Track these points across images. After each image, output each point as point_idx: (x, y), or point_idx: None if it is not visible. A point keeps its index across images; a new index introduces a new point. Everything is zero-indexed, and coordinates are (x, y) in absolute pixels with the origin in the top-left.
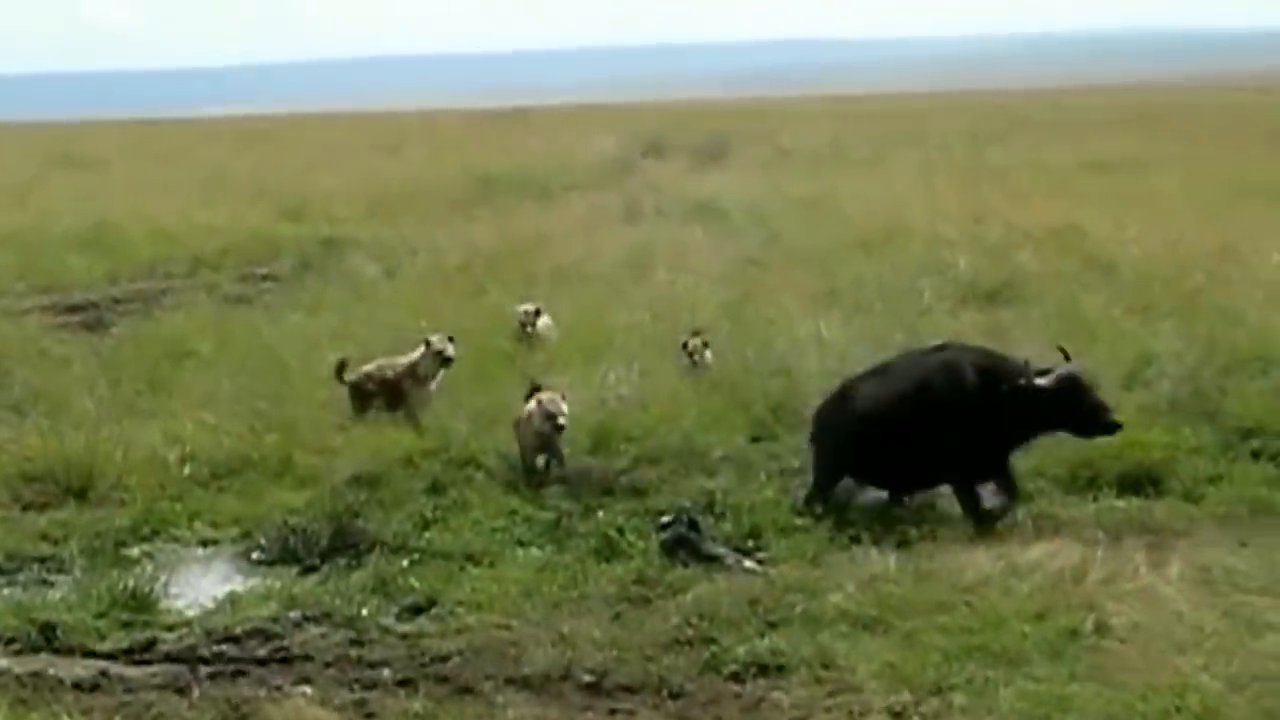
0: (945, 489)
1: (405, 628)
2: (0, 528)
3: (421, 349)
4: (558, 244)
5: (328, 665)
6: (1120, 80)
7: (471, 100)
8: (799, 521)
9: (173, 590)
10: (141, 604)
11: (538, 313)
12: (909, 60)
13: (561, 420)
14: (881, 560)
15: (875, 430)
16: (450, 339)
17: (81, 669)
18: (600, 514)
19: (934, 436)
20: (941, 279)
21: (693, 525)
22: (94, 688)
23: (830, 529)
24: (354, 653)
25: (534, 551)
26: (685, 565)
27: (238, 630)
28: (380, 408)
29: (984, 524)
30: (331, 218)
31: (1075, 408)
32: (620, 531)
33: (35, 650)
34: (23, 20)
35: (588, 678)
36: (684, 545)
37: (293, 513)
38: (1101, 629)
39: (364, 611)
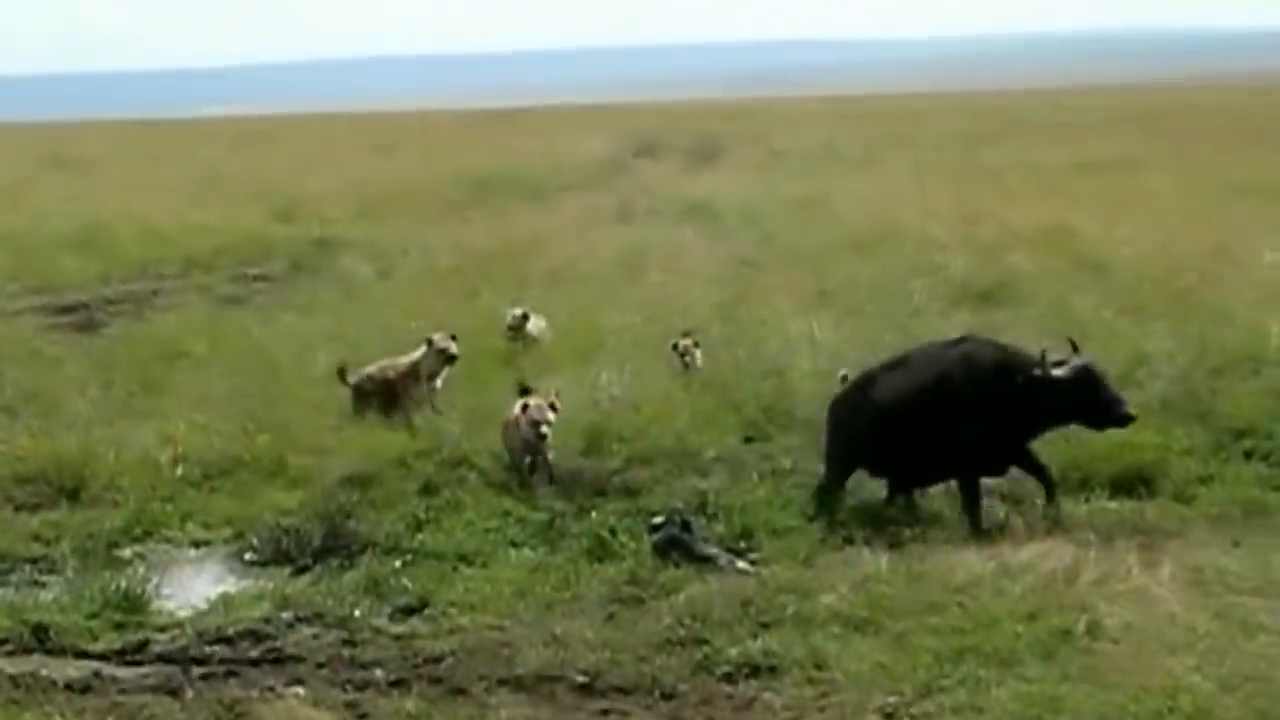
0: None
1: (398, 628)
2: None
3: (423, 348)
4: (551, 245)
5: (320, 666)
6: (1113, 81)
7: (464, 101)
8: (791, 522)
9: (165, 591)
10: (134, 605)
11: (525, 316)
12: (903, 61)
13: (544, 429)
14: (874, 561)
15: (892, 422)
16: (453, 337)
17: (74, 670)
18: (593, 515)
19: (951, 429)
20: (934, 280)
21: (685, 526)
22: (86, 689)
23: (822, 530)
24: (347, 653)
25: (527, 552)
26: (678, 566)
27: (230, 631)
28: (382, 408)
29: (978, 523)
30: (324, 218)
31: (1090, 399)
32: (613, 532)
33: (28, 651)
34: (18, 21)
35: (580, 678)
36: (676, 546)
37: (285, 513)
38: (1094, 630)
39: (356, 612)
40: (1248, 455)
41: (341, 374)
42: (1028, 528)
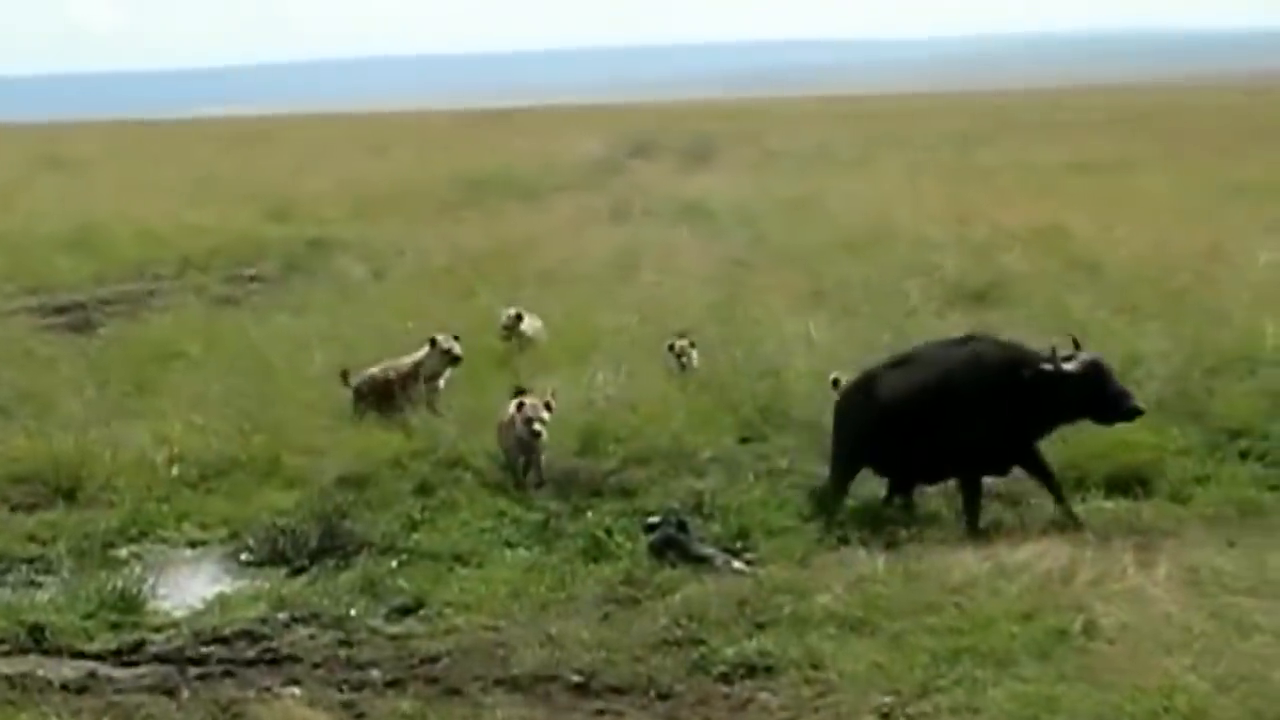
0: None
1: (393, 629)
2: None
3: (426, 349)
4: (545, 245)
5: (316, 666)
6: (1108, 81)
7: (459, 101)
8: (787, 522)
9: (161, 591)
10: (130, 605)
11: (519, 317)
12: (897, 61)
13: (538, 427)
14: (870, 561)
15: (897, 420)
16: (456, 338)
17: (70, 670)
18: (588, 515)
19: (958, 428)
20: (928, 280)
21: (681, 526)
22: (82, 689)
23: (818, 530)
24: (342, 654)
25: (522, 552)
26: (673, 566)
27: (226, 631)
28: (383, 409)
29: (975, 523)
30: (319, 219)
31: (1099, 393)
32: (608, 532)
33: (23, 651)
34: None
35: (576, 678)
36: (672, 546)
37: (281, 514)
38: (1090, 630)
39: (352, 612)
40: (1243, 455)
41: (344, 376)
42: (1024, 528)
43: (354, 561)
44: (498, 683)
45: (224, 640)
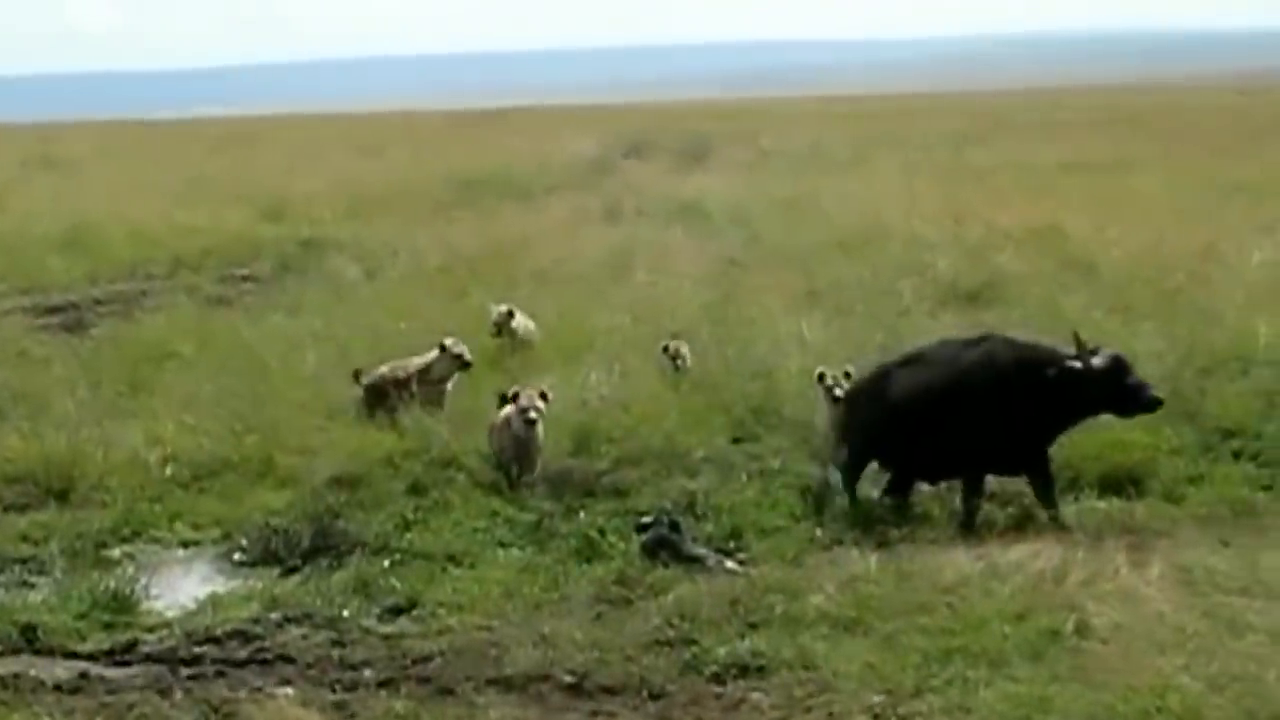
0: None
1: (386, 629)
2: None
3: (436, 352)
4: (539, 245)
5: (309, 666)
6: (1102, 81)
7: (452, 101)
8: (780, 522)
9: (154, 591)
10: (122, 605)
11: (510, 314)
12: (891, 62)
13: (533, 415)
14: (862, 561)
15: (910, 418)
16: (452, 341)
17: (62, 670)
18: (581, 515)
19: (973, 426)
20: (922, 280)
21: (674, 526)
22: (75, 689)
23: (811, 530)
24: (335, 654)
25: (515, 552)
26: (666, 566)
27: (219, 631)
28: (394, 408)
29: (972, 522)
30: (312, 219)
31: (1122, 387)
32: (601, 532)
33: (16, 651)
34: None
35: (569, 679)
36: (665, 546)
37: (274, 514)
38: (1082, 630)
39: (345, 612)
40: (1236, 455)
41: (356, 376)
42: (1016, 528)
43: (347, 561)
44: (490, 683)
45: (216, 640)
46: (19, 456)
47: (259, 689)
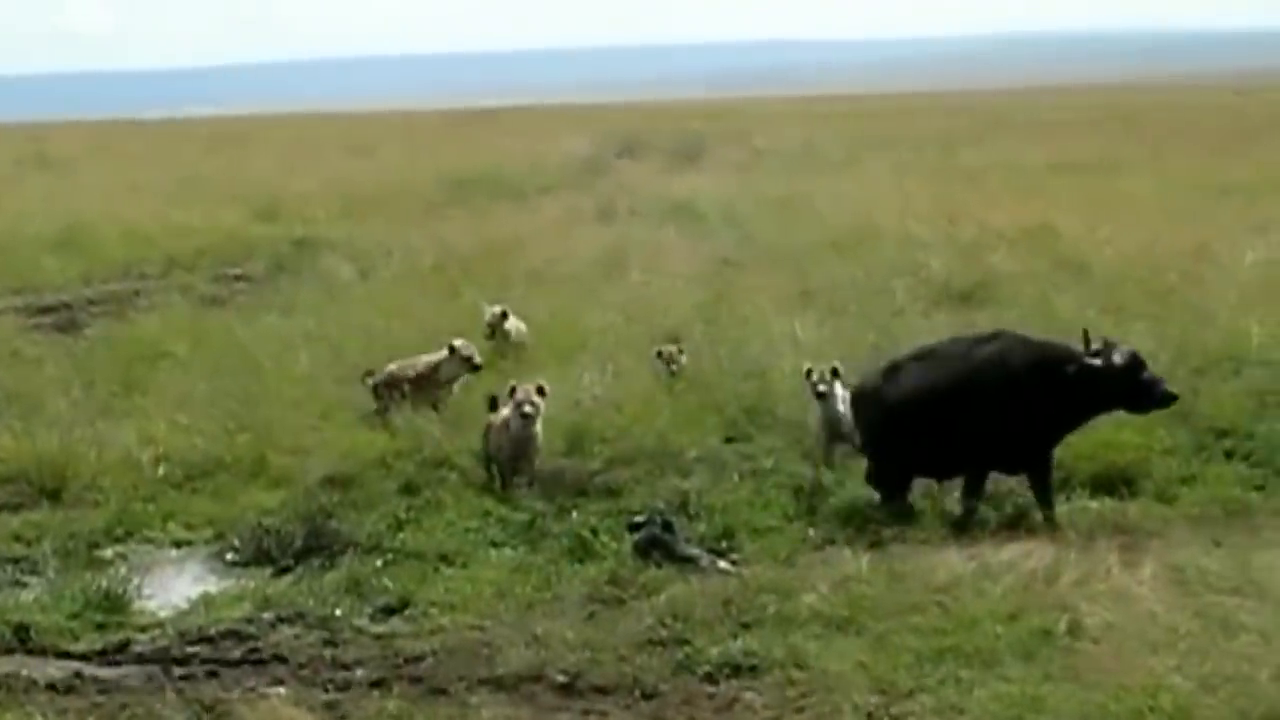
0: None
1: (379, 628)
2: None
3: (445, 352)
4: (532, 245)
5: (301, 666)
6: (1095, 81)
7: (445, 101)
8: (772, 522)
9: (146, 591)
10: (115, 605)
11: (504, 315)
12: (884, 62)
13: (529, 410)
14: (854, 561)
15: (920, 414)
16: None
17: (55, 670)
18: (574, 515)
19: (987, 423)
20: (915, 280)
21: (666, 526)
22: (68, 689)
23: (803, 530)
24: (328, 653)
25: (507, 552)
26: (659, 566)
27: (211, 631)
28: (401, 406)
29: (969, 520)
30: (305, 218)
31: (1138, 383)
32: (594, 532)
33: (8, 651)
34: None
35: (561, 678)
36: (657, 546)
37: (266, 514)
38: (1074, 630)
39: (338, 612)
40: (1229, 455)
41: (366, 375)
42: (1008, 528)
43: (339, 561)
44: (483, 682)
45: (209, 640)
46: (12, 456)
47: (251, 689)
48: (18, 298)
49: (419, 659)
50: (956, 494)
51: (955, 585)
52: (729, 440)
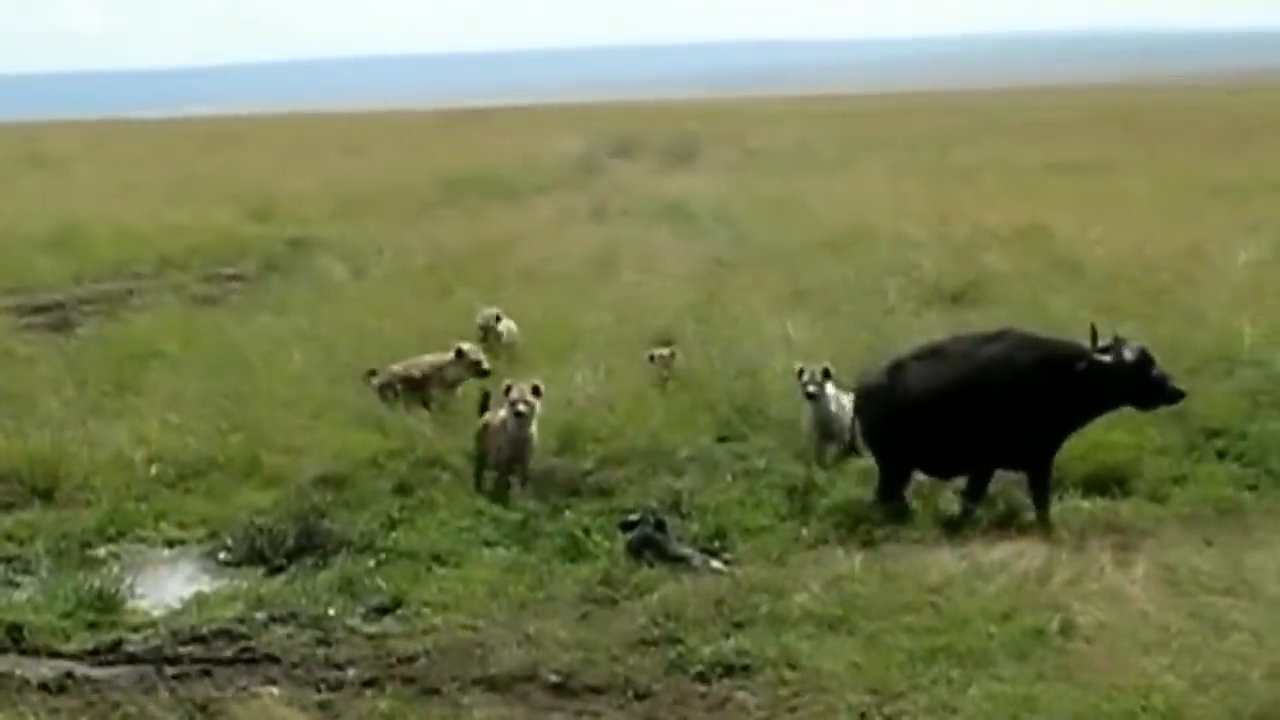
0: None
1: (372, 628)
2: None
3: (451, 355)
4: (525, 244)
5: (294, 665)
6: (1089, 81)
7: (439, 101)
8: (765, 522)
9: (139, 591)
10: (108, 604)
11: (499, 317)
12: (878, 62)
13: (522, 408)
14: (847, 560)
15: (926, 412)
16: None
17: (47, 669)
18: (567, 514)
19: (994, 421)
20: (907, 280)
21: (659, 525)
22: (60, 689)
23: (796, 529)
24: (320, 653)
25: (500, 552)
26: (651, 565)
27: (204, 631)
28: (408, 404)
29: (969, 516)
30: (299, 218)
31: (1147, 380)
32: (586, 532)
33: (1, 651)
34: None
35: (554, 678)
36: (650, 545)
37: (259, 513)
38: (1067, 629)
39: (330, 612)
40: (1221, 455)
41: (370, 374)
42: (1001, 527)
43: (332, 561)
44: (475, 682)
45: (202, 640)
46: (4, 456)
47: (244, 688)
48: (10, 297)
49: (412, 659)
50: (950, 494)
51: (948, 585)
52: (721, 440)
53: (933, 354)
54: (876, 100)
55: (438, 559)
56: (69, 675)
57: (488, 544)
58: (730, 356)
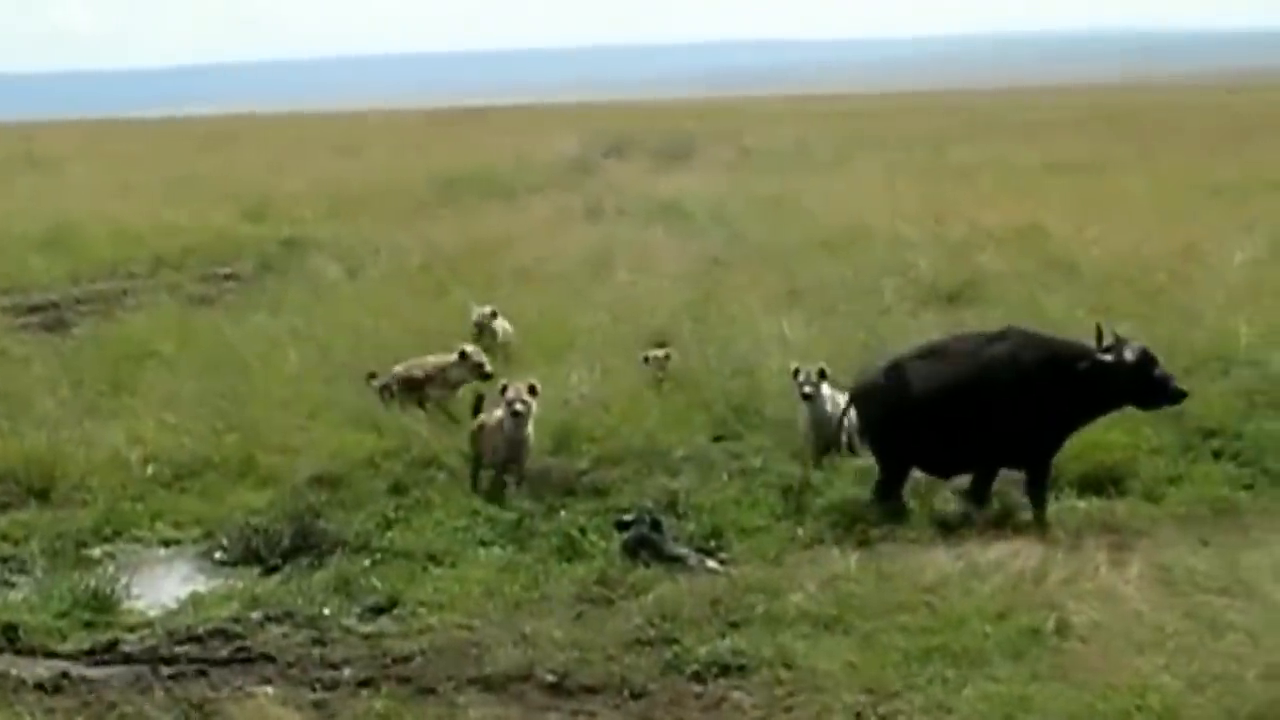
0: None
1: (367, 628)
2: None
3: (454, 357)
4: (520, 244)
5: (290, 665)
6: (1085, 81)
7: (434, 100)
8: (760, 521)
9: (135, 591)
10: (103, 604)
11: (494, 315)
12: (874, 61)
13: (519, 408)
14: (842, 560)
15: (930, 411)
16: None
17: (43, 669)
18: (562, 514)
19: (998, 420)
20: (903, 279)
21: (654, 525)
22: (56, 689)
23: (791, 529)
24: (316, 653)
25: (496, 551)
26: (647, 565)
27: (200, 630)
28: (404, 404)
29: (970, 517)
30: (294, 218)
31: (1148, 380)
32: (582, 531)
33: None
34: None
35: (550, 678)
36: (646, 545)
37: (254, 513)
38: (1062, 629)
39: (326, 611)
40: (1216, 455)
41: (371, 376)
42: (996, 527)
43: (327, 561)
44: (471, 682)
45: (197, 639)
46: None
47: (239, 688)
48: (5, 297)
49: (407, 658)
50: (947, 494)
51: (943, 584)
52: (717, 439)
53: (935, 353)
54: (873, 100)
55: (433, 559)
56: (65, 675)
57: (483, 544)
58: (726, 356)
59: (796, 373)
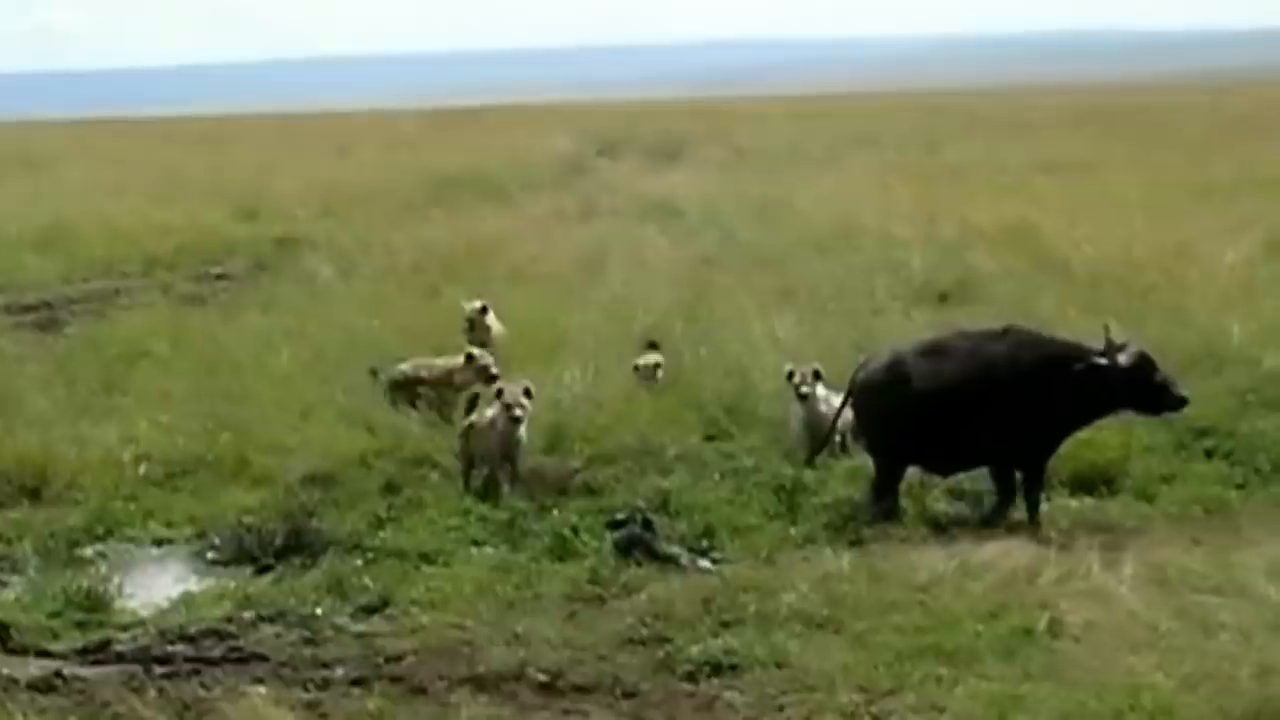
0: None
1: (359, 627)
2: None
3: (461, 359)
4: (512, 244)
5: (282, 665)
6: (1076, 81)
7: (426, 100)
8: (753, 521)
9: (127, 590)
10: (96, 604)
11: (484, 310)
12: (866, 61)
13: (518, 412)
14: (835, 560)
15: (932, 410)
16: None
17: (36, 669)
18: (554, 513)
19: (998, 419)
20: (895, 279)
21: (647, 525)
22: (48, 688)
23: (784, 528)
24: (308, 652)
25: (488, 551)
26: (639, 565)
27: (192, 630)
28: (415, 403)
29: (999, 516)
30: (286, 217)
31: (1147, 385)
32: (574, 531)
33: None
34: None
35: (542, 677)
36: (638, 544)
37: (247, 512)
38: (1055, 628)
39: (318, 611)
40: (1209, 454)
41: (373, 373)
42: (989, 526)
43: (320, 560)
44: (463, 681)
45: (190, 639)
46: None
47: (232, 687)
48: None
49: (399, 658)
50: (939, 492)
51: (936, 584)
52: (709, 439)
53: (935, 350)
54: (864, 99)
55: (425, 558)
56: (57, 674)
57: (475, 543)
58: (718, 355)
59: (791, 374)
